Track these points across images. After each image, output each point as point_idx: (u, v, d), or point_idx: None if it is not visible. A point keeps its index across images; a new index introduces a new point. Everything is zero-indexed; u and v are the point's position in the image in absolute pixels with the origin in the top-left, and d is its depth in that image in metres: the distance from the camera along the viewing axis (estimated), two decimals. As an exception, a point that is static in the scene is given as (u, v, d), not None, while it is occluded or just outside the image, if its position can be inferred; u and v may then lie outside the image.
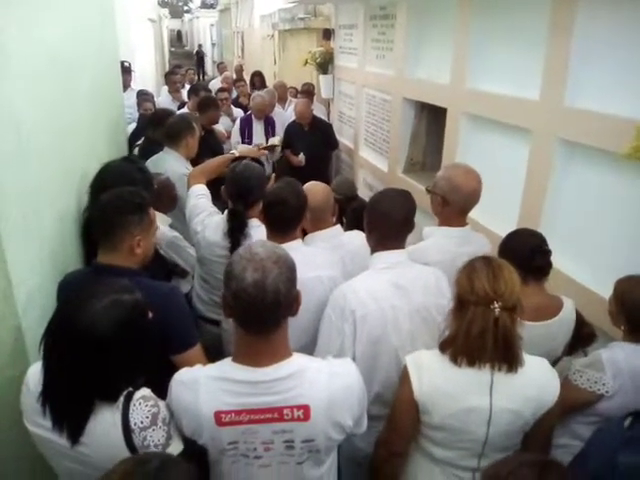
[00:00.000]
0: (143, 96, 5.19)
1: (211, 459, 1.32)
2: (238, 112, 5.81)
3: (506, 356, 1.36)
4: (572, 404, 1.70)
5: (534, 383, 1.40)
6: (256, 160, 2.46)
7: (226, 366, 1.26)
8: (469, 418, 1.39)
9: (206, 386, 1.24)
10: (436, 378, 1.41)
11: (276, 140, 4.84)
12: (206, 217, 2.28)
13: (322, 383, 1.25)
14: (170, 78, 6.60)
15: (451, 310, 1.44)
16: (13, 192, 1.47)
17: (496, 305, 1.32)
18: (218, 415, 1.22)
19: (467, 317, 1.36)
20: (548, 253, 1.88)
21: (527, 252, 1.82)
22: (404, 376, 1.46)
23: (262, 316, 1.20)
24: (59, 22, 2.12)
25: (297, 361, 1.27)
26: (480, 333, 1.34)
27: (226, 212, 2.22)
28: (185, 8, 34.85)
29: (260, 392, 1.22)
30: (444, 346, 1.44)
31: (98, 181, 2.15)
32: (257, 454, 1.27)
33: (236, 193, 2.17)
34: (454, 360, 1.39)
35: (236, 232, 2.13)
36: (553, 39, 2.41)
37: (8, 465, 1.55)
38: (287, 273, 1.21)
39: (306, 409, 1.22)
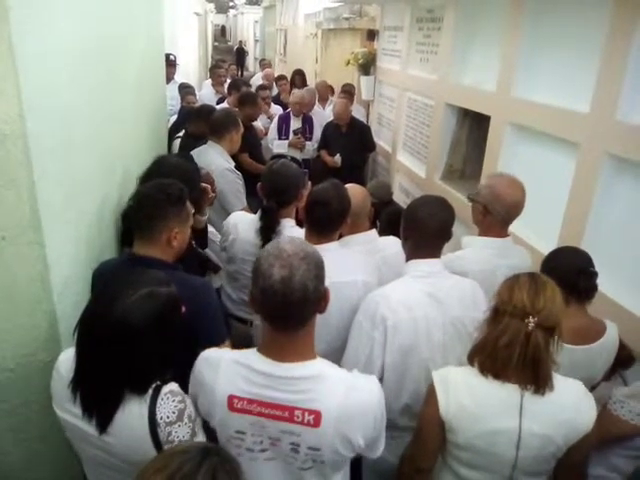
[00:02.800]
0: (186, 89, 5.25)
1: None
2: (277, 109, 5.82)
3: (534, 376, 1.31)
4: (610, 435, 1.62)
5: (567, 407, 1.34)
6: (294, 160, 2.45)
7: (250, 354, 1.27)
8: (496, 440, 1.35)
9: (226, 368, 1.25)
10: (463, 397, 1.37)
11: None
12: (238, 216, 2.29)
13: (339, 393, 1.21)
14: (215, 72, 6.74)
15: (485, 319, 1.41)
16: (56, 178, 1.49)
17: (531, 320, 1.28)
18: (231, 399, 1.23)
19: (500, 327, 1.33)
20: (594, 275, 1.80)
21: (572, 272, 1.75)
22: (430, 393, 1.43)
23: (289, 313, 1.18)
24: (107, 9, 2.14)
25: (319, 366, 1.25)
26: (508, 344, 1.30)
27: (259, 210, 2.21)
28: (230, 4, 35.23)
29: (275, 386, 1.21)
30: (472, 354, 1.41)
31: (153, 173, 2.14)
32: (263, 447, 1.26)
33: (271, 190, 2.16)
34: (481, 370, 1.36)
35: (268, 230, 2.12)
36: (609, 49, 2.32)
37: (35, 446, 1.58)
38: (315, 270, 1.19)
39: (317, 415, 1.19)
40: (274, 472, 1.28)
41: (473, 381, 1.37)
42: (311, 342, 1.26)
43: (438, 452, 1.48)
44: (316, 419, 1.19)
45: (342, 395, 1.21)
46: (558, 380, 1.35)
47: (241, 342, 1.99)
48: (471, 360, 1.41)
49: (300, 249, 1.19)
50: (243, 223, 2.24)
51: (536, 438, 1.33)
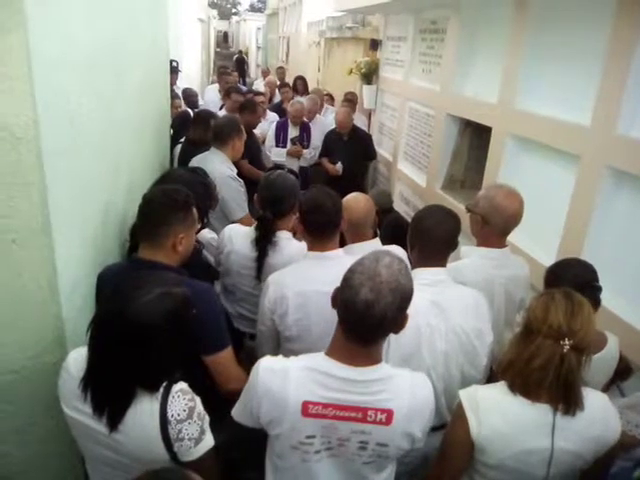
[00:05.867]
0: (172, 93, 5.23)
1: (275, 453, 1.34)
2: (274, 117, 5.78)
3: (566, 397, 1.31)
4: None
5: (596, 423, 1.34)
6: (291, 171, 2.45)
7: (320, 359, 1.29)
8: (529, 459, 1.35)
9: (297, 375, 1.27)
10: (494, 418, 1.36)
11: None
12: (233, 229, 2.28)
13: (407, 392, 1.28)
14: (223, 78, 6.75)
15: (515, 335, 1.40)
16: (66, 182, 1.51)
17: (566, 342, 1.27)
18: (306, 405, 1.24)
19: (532, 346, 1.31)
20: (598, 289, 1.79)
21: (576, 285, 1.74)
22: (459, 415, 1.41)
23: (362, 332, 1.23)
24: (115, 15, 2.16)
25: (386, 367, 1.30)
26: (543, 366, 1.29)
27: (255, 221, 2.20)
28: (233, 10, 35.46)
29: (351, 390, 1.24)
30: (502, 372, 1.40)
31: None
32: (330, 446, 1.29)
33: (267, 200, 2.14)
34: (511, 388, 1.35)
35: (263, 240, 2.11)
36: (610, 63, 2.35)
37: (40, 448, 1.59)
38: (400, 303, 1.21)
39: (390, 414, 1.25)
40: (334, 470, 1.33)
41: (503, 401, 1.36)
42: (380, 349, 1.30)
43: (464, 472, 1.47)
44: (388, 417, 1.25)
45: (409, 393, 1.28)
46: (585, 394, 1.34)
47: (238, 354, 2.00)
48: (500, 376, 1.40)
49: (394, 278, 1.20)
50: (238, 236, 2.21)
51: (568, 455, 1.34)
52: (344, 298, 1.22)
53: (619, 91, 2.29)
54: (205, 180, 2.40)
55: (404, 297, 1.22)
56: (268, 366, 1.31)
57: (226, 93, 5.41)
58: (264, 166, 4.28)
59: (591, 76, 2.48)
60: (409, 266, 1.85)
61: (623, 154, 2.27)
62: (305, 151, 5.15)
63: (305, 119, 5.25)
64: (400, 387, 1.28)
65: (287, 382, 1.26)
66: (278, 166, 3.06)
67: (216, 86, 6.93)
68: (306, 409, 1.24)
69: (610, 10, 2.36)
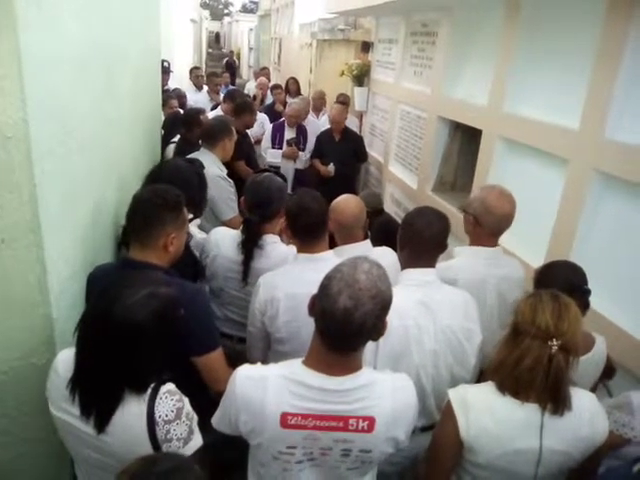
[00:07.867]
0: (165, 93, 5.21)
1: (258, 461, 1.33)
2: (263, 117, 5.75)
3: (554, 397, 1.32)
4: None
5: (584, 423, 1.36)
6: (278, 174, 2.45)
7: (298, 368, 1.26)
8: (517, 459, 1.36)
9: (275, 385, 1.24)
10: (484, 419, 1.37)
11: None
12: (219, 232, 2.28)
13: (388, 397, 1.26)
14: (212, 79, 6.76)
15: (504, 336, 1.41)
16: (56, 181, 1.50)
17: (554, 343, 1.29)
18: (284, 417, 1.22)
19: (521, 347, 1.33)
20: (587, 293, 1.80)
21: (565, 288, 1.72)
22: (448, 414, 1.41)
23: (341, 340, 1.21)
24: (106, 15, 2.15)
25: (367, 374, 1.28)
26: (532, 367, 1.31)
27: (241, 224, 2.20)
28: (225, 11, 35.43)
29: (330, 400, 1.23)
30: (490, 373, 1.41)
31: (155, 176, 2.17)
32: (312, 457, 1.28)
33: (253, 203, 2.13)
34: (500, 389, 1.37)
35: (249, 243, 2.10)
36: (599, 68, 2.38)
37: (28, 449, 1.58)
38: (379, 310, 1.18)
39: (371, 421, 1.23)
40: (317, 478, 1.32)
41: (493, 401, 1.37)
42: (360, 357, 1.28)
43: (452, 471, 1.48)
44: (370, 425, 1.24)
45: (391, 398, 1.27)
46: (573, 393, 1.36)
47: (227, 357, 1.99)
48: (489, 377, 1.42)
49: (373, 285, 1.18)
50: (225, 240, 2.20)
51: (556, 455, 1.35)
52: (322, 306, 1.19)
53: (607, 95, 2.31)
54: (200, 171, 2.39)
55: (384, 304, 1.20)
56: (246, 375, 1.29)
57: (229, 96, 5.37)
58: (259, 167, 4.27)
59: (580, 80, 2.50)
60: (399, 268, 1.88)
61: (611, 158, 2.30)
62: (301, 153, 5.14)
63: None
64: (381, 393, 1.26)
65: (265, 392, 1.24)
66: (265, 169, 3.04)
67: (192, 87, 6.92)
68: (285, 420, 1.22)
69: (600, 14, 2.39)
